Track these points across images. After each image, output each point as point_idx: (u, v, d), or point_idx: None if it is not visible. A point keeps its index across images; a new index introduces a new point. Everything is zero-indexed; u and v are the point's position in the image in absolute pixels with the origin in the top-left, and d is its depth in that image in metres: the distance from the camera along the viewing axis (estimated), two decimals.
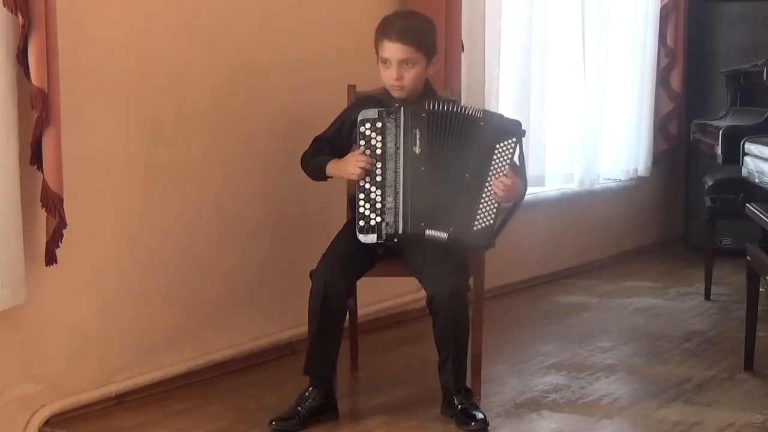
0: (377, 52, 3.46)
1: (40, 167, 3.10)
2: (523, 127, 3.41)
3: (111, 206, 3.46)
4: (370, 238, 3.33)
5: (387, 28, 3.43)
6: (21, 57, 3.01)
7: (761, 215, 3.82)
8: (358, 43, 3.97)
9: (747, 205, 4.05)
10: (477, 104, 4.80)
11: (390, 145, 3.34)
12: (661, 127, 6.55)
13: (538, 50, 5.40)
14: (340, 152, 3.50)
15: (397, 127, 3.33)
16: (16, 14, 2.96)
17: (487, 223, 3.33)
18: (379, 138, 3.35)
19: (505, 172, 3.33)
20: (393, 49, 3.39)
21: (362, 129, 3.36)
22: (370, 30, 3.53)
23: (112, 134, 3.45)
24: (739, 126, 4.94)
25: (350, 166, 3.37)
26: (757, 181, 4.05)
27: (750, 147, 4.18)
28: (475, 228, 3.32)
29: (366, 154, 3.34)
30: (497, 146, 3.34)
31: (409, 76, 3.41)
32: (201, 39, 3.71)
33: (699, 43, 6.44)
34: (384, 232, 3.32)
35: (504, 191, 3.33)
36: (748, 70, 5.37)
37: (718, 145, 4.91)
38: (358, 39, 4.07)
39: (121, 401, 3.52)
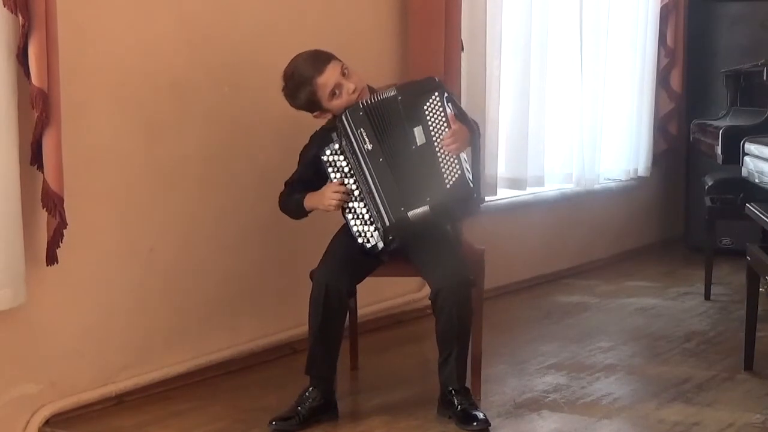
0: (317, 102, 3.41)
1: (40, 167, 3.10)
2: (438, 80, 3.43)
3: (111, 206, 3.46)
4: (377, 248, 3.36)
5: (307, 70, 3.40)
6: (21, 57, 3.01)
7: (761, 215, 3.82)
8: (358, 43, 3.98)
9: (747, 205, 4.05)
10: (477, 104, 4.84)
11: (351, 158, 3.37)
12: (661, 127, 6.55)
13: (538, 50, 5.40)
14: (313, 188, 3.48)
15: (346, 136, 3.36)
16: (16, 14, 2.96)
17: (457, 174, 3.31)
18: (342, 157, 3.39)
19: (445, 125, 3.33)
20: (329, 74, 3.39)
21: (325, 158, 3.40)
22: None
23: (112, 134, 3.45)
24: (739, 126, 4.94)
25: (326, 198, 3.39)
26: (757, 181, 4.05)
27: (750, 147, 4.18)
28: (448, 185, 3.32)
29: (340, 183, 3.37)
30: (424, 108, 3.36)
31: (356, 79, 3.43)
32: (201, 39, 3.71)
33: (699, 43, 6.44)
34: (381, 236, 3.34)
35: (453, 141, 3.31)
36: (748, 70, 5.37)
37: (718, 145, 4.91)
38: (358, 38, 4.07)
39: (121, 401, 3.52)
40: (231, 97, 3.82)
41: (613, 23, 6.11)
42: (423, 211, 3.31)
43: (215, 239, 3.82)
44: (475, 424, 3.23)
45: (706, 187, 5.30)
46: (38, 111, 3.02)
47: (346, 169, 3.40)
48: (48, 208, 3.10)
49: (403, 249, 3.42)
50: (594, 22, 5.86)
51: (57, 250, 3.17)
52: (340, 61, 3.43)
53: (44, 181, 3.10)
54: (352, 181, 3.39)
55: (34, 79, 3.00)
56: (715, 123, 5.29)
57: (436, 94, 3.36)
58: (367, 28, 3.68)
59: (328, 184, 3.43)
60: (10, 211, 3.04)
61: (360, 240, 3.37)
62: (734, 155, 4.46)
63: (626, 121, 6.32)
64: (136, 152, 3.53)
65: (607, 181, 6.23)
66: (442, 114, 3.34)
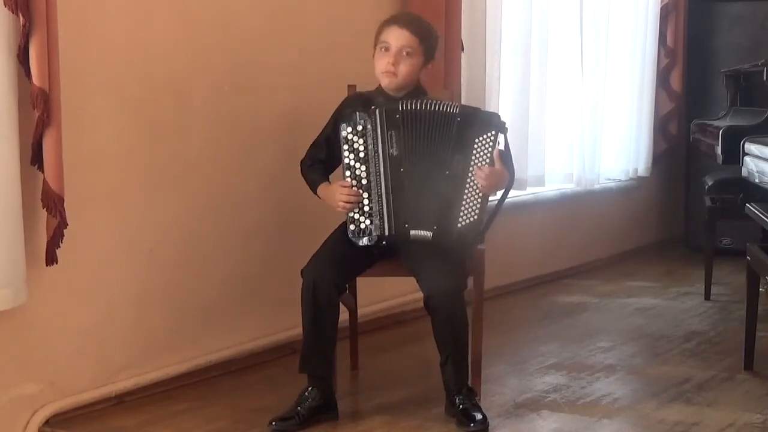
0: (377, 41, 3.47)
1: (40, 167, 3.10)
2: (502, 119, 3.41)
3: (111, 206, 3.46)
4: (363, 241, 3.36)
5: (396, 17, 3.54)
6: (22, 57, 3.01)
7: (761, 215, 3.82)
8: (358, 43, 3.97)
9: (747, 205, 4.05)
10: (477, 104, 4.81)
11: (370, 147, 3.35)
12: (661, 127, 6.56)
13: (538, 50, 5.40)
14: (337, 155, 3.47)
15: (374, 130, 3.34)
16: (17, 14, 2.96)
17: (472, 218, 3.34)
18: (361, 141, 3.35)
19: (486, 162, 3.33)
20: (397, 34, 3.42)
21: (344, 134, 3.37)
22: (371, 30, 3.54)
23: (112, 134, 3.45)
24: (739, 126, 4.94)
25: (335, 199, 3.38)
26: (757, 181, 4.05)
27: (750, 147, 4.18)
28: (459, 225, 3.33)
29: (351, 186, 3.34)
30: (476, 140, 3.35)
31: (405, 66, 3.43)
32: (201, 39, 3.71)
33: (699, 43, 6.45)
34: (373, 234, 3.34)
35: (486, 180, 3.32)
36: (748, 70, 5.38)
37: (718, 145, 4.91)
38: (358, 39, 4.06)
39: (121, 401, 3.52)
40: (231, 97, 3.82)
41: (613, 23, 6.11)
42: (424, 236, 3.32)
43: (215, 239, 3.82)
44: (472, 425, 3.24)
45: (706, 187, 5.31)
46: (39, 111, 3.02)
47: (362, 155, 3.35)
48: (48, 207, 3.10)
49: (396, 249, 3.41)
50: (594, 22, 5.86)
51: (57, 251, 3.17)
52: (422, 46, 3.43)
53: (44, 180, 3.10)
54: (363, 168, 3.35)
55: (35, 78, 3.00)
56: (715, 123, 5.29)
57: (494, 132, 3.35)
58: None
59: (339, 182, 3.38)
60: (11, 211, 3.03)
61: (351, 227, 3.36)
62: (734, 155, 4.47)
63: (626, 121, 6.32)
64: (136, 152, 3.53)
65: (607, 181, 6.24)
66: (489, 151, 3.33)
